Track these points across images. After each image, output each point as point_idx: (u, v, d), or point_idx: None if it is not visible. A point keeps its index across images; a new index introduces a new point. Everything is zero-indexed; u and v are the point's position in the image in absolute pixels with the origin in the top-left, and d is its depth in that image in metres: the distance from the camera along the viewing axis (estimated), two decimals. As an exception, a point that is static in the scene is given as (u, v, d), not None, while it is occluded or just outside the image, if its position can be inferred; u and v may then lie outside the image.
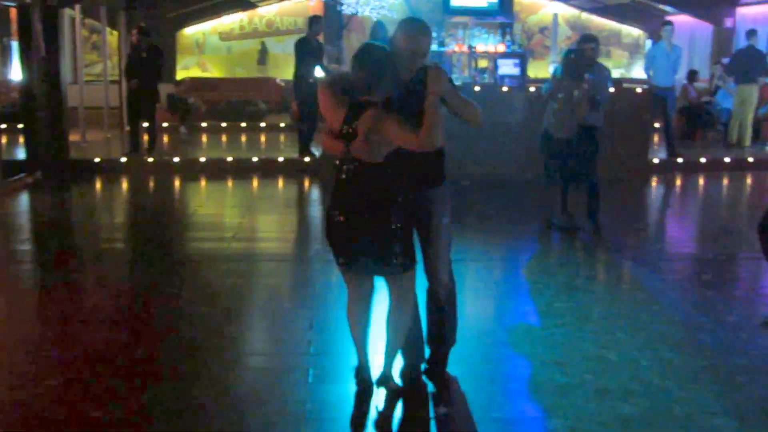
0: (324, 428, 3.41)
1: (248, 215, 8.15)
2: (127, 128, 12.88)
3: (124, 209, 8.70)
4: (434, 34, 10.78)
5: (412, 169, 3.30)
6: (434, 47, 10.59)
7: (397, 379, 3.66)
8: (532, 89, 9.59)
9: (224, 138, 13.22)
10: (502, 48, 9.66)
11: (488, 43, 9.69)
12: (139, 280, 5.75)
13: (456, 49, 10.40)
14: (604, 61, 18.20)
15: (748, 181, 10.30)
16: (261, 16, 16.97)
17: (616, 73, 17.96)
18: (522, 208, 8.34)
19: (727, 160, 10.86)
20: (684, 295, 5.42)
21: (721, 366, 4.09)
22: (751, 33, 11.56)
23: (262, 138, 13.33)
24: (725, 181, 10.27)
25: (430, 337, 3.78)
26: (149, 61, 10.30)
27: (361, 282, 3.46)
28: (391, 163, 3.15)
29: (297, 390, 3.72)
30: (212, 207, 8.64)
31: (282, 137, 13.36)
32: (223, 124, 13.79)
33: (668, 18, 14.16)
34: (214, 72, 16.67)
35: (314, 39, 10.25)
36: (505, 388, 3.84)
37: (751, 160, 10.94)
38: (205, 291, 5.38)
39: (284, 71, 16.73)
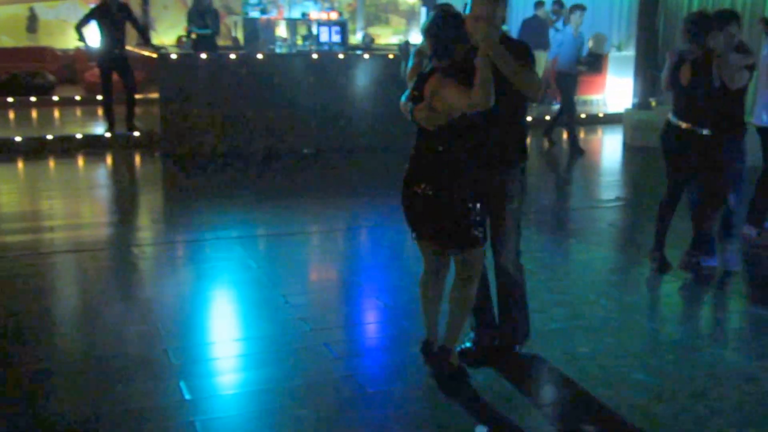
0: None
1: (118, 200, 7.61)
2: None
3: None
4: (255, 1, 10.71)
5: (487, 144, 3.30)
6: (256, 14, 10.46)
7: (456, 356, 3.54)
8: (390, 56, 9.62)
9: (12, 114, 11.83)
10: (335, 15, 9.81)
11: (320, 11, 9.80)
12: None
13: (277, 15, 10.36)
14: (382, 27, 19.08)
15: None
16: (26, -20, 15.28)
17: (394, 39, 18.77)
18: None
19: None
20: None
21: None
22: (539, 4, 12.09)
23: (56, 113, 12.16)
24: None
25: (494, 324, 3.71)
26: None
27: (434, 256, 3.43)
28: (448, 133, 3.17)
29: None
30: (76, 192, 7.83)
31: (78, 111, 12.32)
32: (9, 99, 12.33)
33: None
34: (-26, 41, 14.76)
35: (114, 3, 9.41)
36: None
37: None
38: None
39: (58, 39, 15.30)
